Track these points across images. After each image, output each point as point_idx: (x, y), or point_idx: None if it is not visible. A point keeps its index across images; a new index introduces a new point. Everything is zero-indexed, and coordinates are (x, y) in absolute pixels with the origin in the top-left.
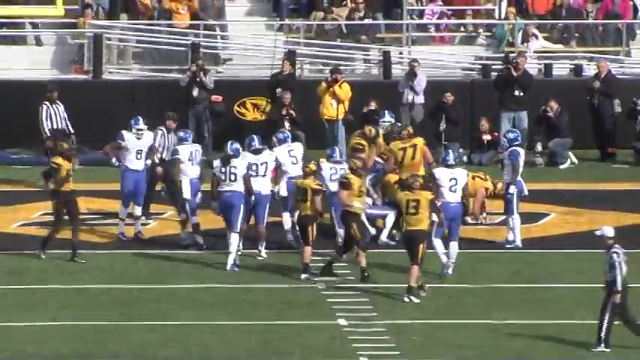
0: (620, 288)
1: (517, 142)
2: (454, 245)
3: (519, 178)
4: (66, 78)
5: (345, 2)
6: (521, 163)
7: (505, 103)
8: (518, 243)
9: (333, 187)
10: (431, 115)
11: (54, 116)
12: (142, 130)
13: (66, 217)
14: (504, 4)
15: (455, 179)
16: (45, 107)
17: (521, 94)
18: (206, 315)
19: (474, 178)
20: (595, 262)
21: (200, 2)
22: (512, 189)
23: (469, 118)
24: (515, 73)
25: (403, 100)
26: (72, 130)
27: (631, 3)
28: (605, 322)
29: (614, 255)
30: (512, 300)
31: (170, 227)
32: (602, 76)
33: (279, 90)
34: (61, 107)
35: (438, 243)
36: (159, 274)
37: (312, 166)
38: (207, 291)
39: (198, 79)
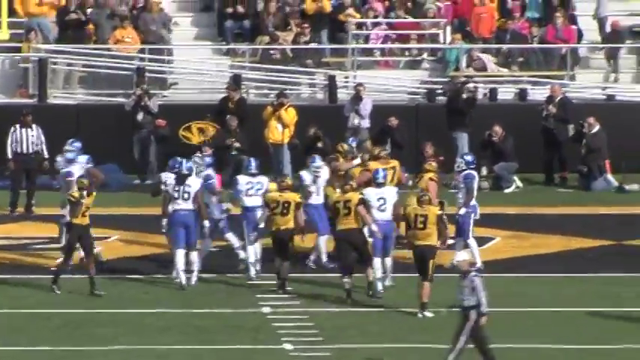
0: (485, 311)
1: (473, 166)
2: (387, 261)
3: (474, 201)
4: (12, 102)
5: (289, 27)
6: (476, 187)
7: (465, 123)
8: (480, 265)
9: (249, 202)
10: (376, 139)
11: (24, 140)
12: (70, 151)
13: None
14: (449, 28)
15: (383, 198)
16: (12, 130)
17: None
18: (153, 340)
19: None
20: (538, 285)
21: (145, 28)
22: (463, 211)
23: (414, 142)
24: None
25: (349, 124)
26: (47, 155)
27: (575, 27)
28: (461, 345)
29: (476, 279)
30: (455, 324)
31: (115, 252)
32: (557, 100)
33: (229, 117)
34: (36, 131)
35: (377, 263)
36: (104, 298)
37: (289, 181)
38: (153, 315)
39: (142, 104)
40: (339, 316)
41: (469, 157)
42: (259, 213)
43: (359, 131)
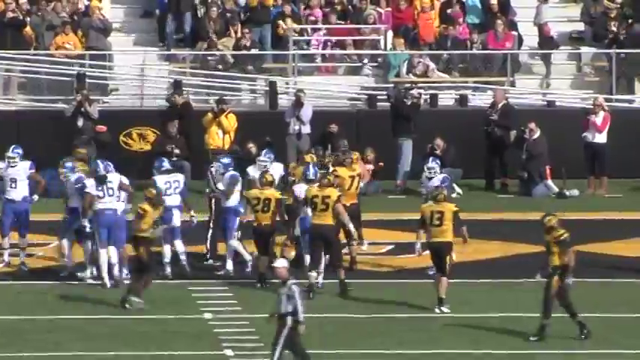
0: (302, 318)
1: (438, 172)
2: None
3: None
4: None
5: (229, 32)
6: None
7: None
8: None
9: (169, 201)
10: (317, 144)
11: None
12: (12, 157)
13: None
14: (390, 34)
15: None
16: None
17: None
18: (96, 346)
19: None
20: (479, 291)
21: (85, 34)
22: None
23: (355, 148)
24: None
25: (290, 130)
26: None
27: (515, 34)
28: (277, 353)
29: (294, 286)
30: (398, 330)
31: (57, 258)
32: (500, 106)
33: (169, 123)
34: None
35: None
36: (47, 304)
37: (269, 177)
38: (97, 322)
39: (82, 109)
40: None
41: (434, 164)
42: (177, 212)
43: (300, 137)
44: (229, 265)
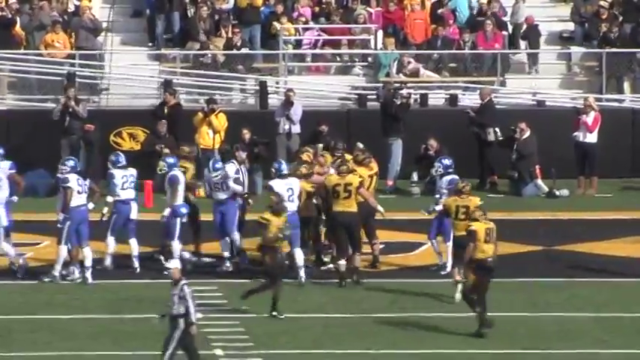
0: (194, 319)
1: (452, 169)
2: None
3: None
4: None
5: (219, 32)
6: None
7: (399, 129)
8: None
9: (125, 194)
10: (308, 144)
11: None
12: None
13: None
14: (380, 33)
15: (291, 189)
16: None
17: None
18: (83, 346)
19: None
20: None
21: (76, 33)
22: None
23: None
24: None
25: (279, 130)
26: None
27: (505, 33)
28: (168, 355)
29: (185, 287)
30: (389, 330)
31: (46, 258)
32: (481, 104)
33: (158, 122)
34: None
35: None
36: (34, 304)
37: (303, 170)
38: (84, 322)
39: (70, 110)
40: (269, 322)
41: (447, 161)
42: (134, 205)
43: (290, 136)
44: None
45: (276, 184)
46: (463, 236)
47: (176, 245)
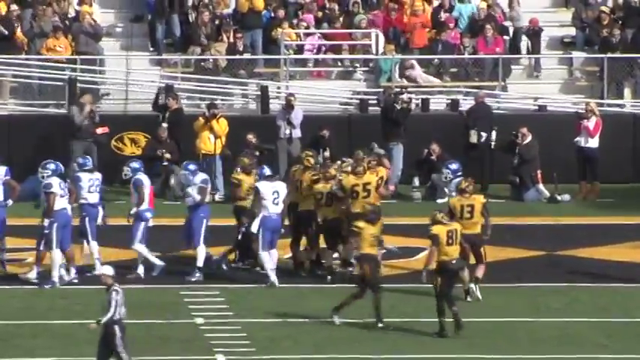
0: (103, 320)
1: (460, 173)
2: (274, 253)
3: None
4: None
5: (221, 37)
6: None
7: (400, 134)
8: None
9: (92, 198)
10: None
11: None
12: None
13: None
14: (382, 38)
15: (277, 192)
16: None
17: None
18: (83, 351)
19: None
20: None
21: (76, 38)
22: None
23: (347, 152)
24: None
25: (280, 135)
26: None
27: (507, 38)
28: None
29: (114, 293)
30: (390, 334)
31: (47, 263)
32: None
33: (160, 127)
34: None
35: (265, 256)
36: (34, 309)
37: (332, 171)
38: (84, 327)
39: (92, 116)
40: (271, 327)
41: (454, 166)
42: (100, 209)
43: (291, 141)
44: (140, 269)
45: (263, 186)
46: (470, 234)
47: (138, 247)
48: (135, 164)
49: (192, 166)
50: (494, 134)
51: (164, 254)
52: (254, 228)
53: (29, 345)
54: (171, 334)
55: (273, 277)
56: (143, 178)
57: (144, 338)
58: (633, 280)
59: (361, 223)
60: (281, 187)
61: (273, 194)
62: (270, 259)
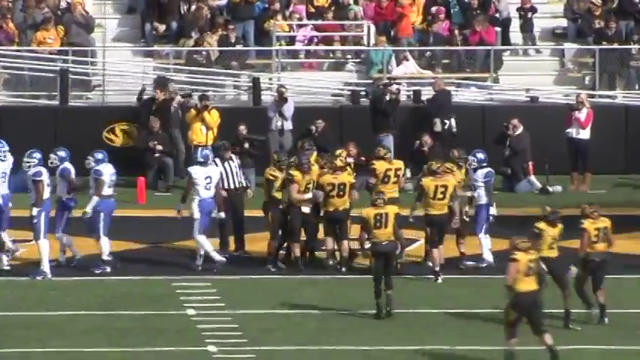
0: None
1: (485, 163)
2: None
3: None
4: None
5: (213, 29)
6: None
7: (389, 125)
8: (491, 260)
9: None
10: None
11: None
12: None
13: None
14: (373, 29)
15: (210, 177)
16: None
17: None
18: (76, 342)
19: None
20: (463, 286)
21: (68, 29)
22: (493, 210)
23: (339, 143)
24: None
25: (272, 127)
26: None
27: (499, 29)
28: None
29: None
30: (383, 325)
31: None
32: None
33: (151, 118)
34: None
35: (202, 239)
36: (26, 301)
37: (341, 162)
38: (79, 318)
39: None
40: (263, 318)
41: (481, 155)
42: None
43: (283, 133)
44: (61, 257)
45: (195, 171)
46: (442, 214)
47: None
48: (62, 152)
49: (99, 155)
50: (453, 121)
51: (155, 245)
52: (194, 213)
53: (21, 336)
54: (163, 325)
55: (218, 257)
56: (70, 167)
57: (137, 329)
58: (625, 272)
59: (543, 225)
60: (214, 172)
61: (206, 179)
62: (207, 242)
